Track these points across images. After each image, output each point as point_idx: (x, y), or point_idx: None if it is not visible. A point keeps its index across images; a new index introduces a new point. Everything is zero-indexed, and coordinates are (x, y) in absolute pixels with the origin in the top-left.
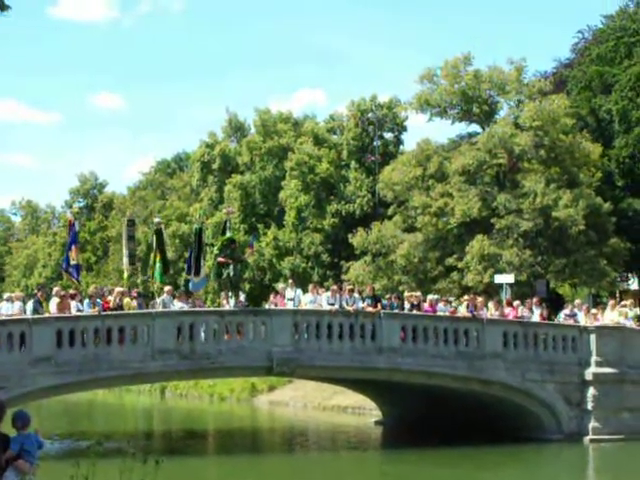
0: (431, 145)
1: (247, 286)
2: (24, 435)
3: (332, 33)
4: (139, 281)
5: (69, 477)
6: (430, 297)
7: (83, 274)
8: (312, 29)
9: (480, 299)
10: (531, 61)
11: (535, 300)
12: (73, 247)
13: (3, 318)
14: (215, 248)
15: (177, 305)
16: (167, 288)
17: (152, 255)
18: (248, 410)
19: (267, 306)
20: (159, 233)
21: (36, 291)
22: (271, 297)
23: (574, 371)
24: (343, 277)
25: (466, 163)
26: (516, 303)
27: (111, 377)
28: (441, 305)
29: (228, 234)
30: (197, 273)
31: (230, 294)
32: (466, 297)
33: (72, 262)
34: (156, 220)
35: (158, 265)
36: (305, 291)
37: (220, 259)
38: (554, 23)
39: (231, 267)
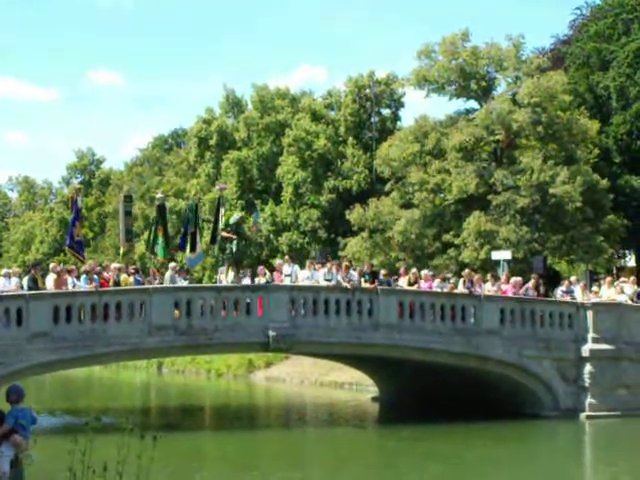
0: (428, 121)
1: (244, 262)
2: (18, 409)
3: (333, 9)
4: (136, 257)
5: (67, 452)
6: (424, 272)
7: None
8: (313, 5)
9: (477, 276)
10: (529, 38)
11: (532, 282)
12: (77, 223)
13: (0, 294)
14: (221, 223)
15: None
16: (172, 264)
17: (151, 231)
18: (245, 386)
19: (257, 281)
20: (162, 208)
21: (30, 268)
22: (258, 270)
23: (571, 348)
24: (340, 253)
25: (463, 139)
26: (518, 280)
27: (108, 353)
28: (437, 281)
29: (222, 210)
30: (193, 249)
31: (231, 269)
32: (464, 272)
33: (76, 238)
34: (159, 195)
35: (160, 240)
36: (302, 267)
37: (224, 233)
38: (552, 0)
39: (234, 242)
